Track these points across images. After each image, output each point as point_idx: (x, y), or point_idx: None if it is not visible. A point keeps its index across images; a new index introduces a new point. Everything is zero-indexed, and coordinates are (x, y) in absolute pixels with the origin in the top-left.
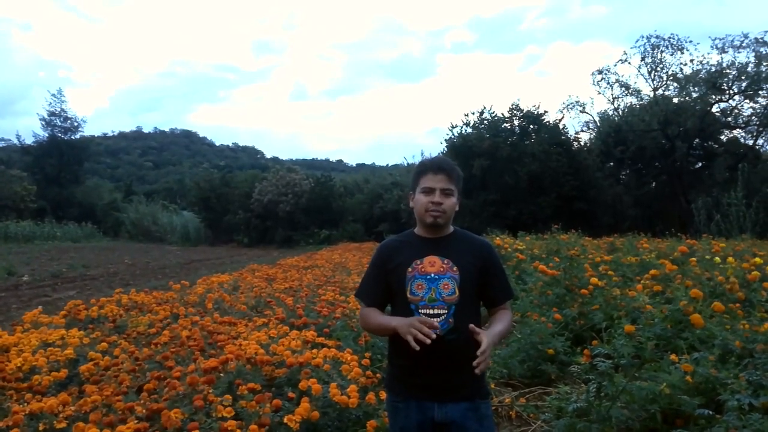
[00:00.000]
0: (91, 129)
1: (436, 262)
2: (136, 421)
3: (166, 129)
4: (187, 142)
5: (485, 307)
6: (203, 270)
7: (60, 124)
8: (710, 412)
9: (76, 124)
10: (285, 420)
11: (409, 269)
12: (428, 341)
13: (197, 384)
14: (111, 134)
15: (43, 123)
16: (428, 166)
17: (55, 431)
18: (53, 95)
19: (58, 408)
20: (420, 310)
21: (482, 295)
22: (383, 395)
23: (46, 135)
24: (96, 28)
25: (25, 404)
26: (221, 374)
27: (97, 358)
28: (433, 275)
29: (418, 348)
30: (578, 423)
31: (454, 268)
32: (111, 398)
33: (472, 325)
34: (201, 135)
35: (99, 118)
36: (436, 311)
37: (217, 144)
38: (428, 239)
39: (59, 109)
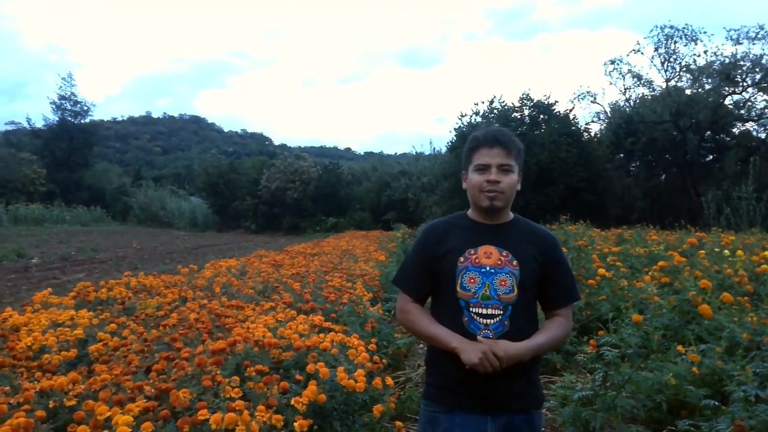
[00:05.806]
0: (101, 113)
1: (493, 253)
2: (144, 400)
3: (176, 114)
4: (195, 128)
5: (542, 309)
6: (211, 255)
7: (70, 108)
8: (716, 403)
9: (85, 108)
10: (292, 402)
11: (461, 259)
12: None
13: (205, 365)
14: (120, 119)
15: (54, 107)
16: (482, 140)
17: (65, 408)
18: (63, 79)
19: (68, 386)
20: (471, 308)
21: (541, 294)
22: (389, 381)
23: (56, 119)
24: (108, 13)
25: (36, 382)
26: (229, 356)
27: (106, 339)
28: (488, 268)
29: (490, 371)
30: (583, 411)
31: (514, 262)
32: (120, 378)
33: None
34: (210, 121)
35: (109, 102)
36: (489, 311)
37: (226, 130)
38: (484, 225)
39: (69, 93)
